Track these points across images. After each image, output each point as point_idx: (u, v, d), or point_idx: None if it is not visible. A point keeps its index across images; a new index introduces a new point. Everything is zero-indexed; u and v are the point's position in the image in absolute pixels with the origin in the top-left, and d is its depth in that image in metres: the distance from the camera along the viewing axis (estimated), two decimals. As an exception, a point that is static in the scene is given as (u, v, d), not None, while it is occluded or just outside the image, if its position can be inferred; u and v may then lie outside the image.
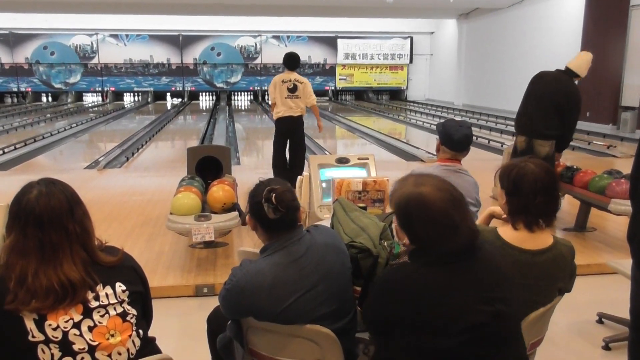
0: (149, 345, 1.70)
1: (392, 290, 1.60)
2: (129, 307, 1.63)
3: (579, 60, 4.87)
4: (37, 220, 1.53)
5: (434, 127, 13.03)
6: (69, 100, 23.83)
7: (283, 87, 6.19)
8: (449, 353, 1.54)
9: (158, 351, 1.73)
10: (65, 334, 1.51)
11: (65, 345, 1.51)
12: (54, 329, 1.50)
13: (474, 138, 12.43)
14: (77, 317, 1.53)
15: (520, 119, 4.97)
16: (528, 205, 1.90)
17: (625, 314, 2.40)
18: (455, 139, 2.87)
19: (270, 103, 6.51)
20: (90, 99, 24.32)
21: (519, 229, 1.94)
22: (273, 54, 24.46)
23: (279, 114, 6.23)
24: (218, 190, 4.11)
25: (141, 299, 1.70)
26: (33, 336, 1.49)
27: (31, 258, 1.52)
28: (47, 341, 1.49)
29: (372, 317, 1.73)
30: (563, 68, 4.92)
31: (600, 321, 3.35)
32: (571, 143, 5.32)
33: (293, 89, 6.20)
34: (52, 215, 1.54)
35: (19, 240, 1.53)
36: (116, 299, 1.60)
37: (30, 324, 1.49)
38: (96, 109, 20.97)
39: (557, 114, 4.76)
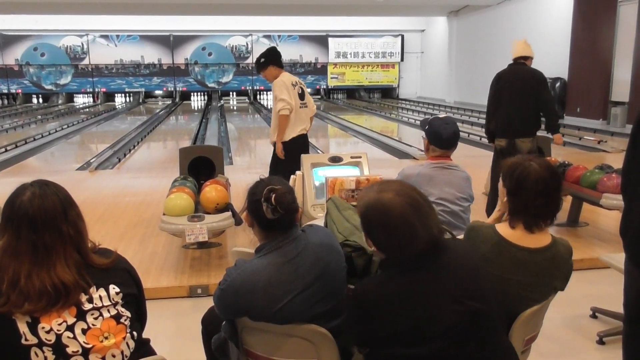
0: (143, 347, 1.69)
1: (365, 306, 1.61)
2: (122, 309, 1.62)
3: (519, 47, 4.94)
4: (31, 222, 1.52)
5: (426, 124, 13.03)
6: (60, 101, 23.68)
7: (294, 92, 4.62)
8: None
9: (152, 353, 1.72)
10: (58, 337, 1.50)
11: (58, 348, 1.50)
12: (47, 332, 1.49)
13: (466, 135, 12.35)
14: (71, 320, 1.52)
15: (498, 123, 4.94)
16: (528, 205, 1.89)
17: (619, 308, 2.41)
18: (444, 137, 2.87)
19: (279, 112, 4.55)
20: (81, 100, 24.16)
21: (517, 228, 1.93)
22: (264, 53, 24.41)
23: (294, 132, 4.63)
24: (211, 191, 4.10)
25: (135, 301, 1.69)
26: (26, 339, 1.47)
27: (24, 260, 1.50)
28: (41, 344, 1.48)
29: (358, 337, 1.72)
30: (526, 64, 4.94)
31: (594, 316, 3.37)
32: (562, 138, 5.38)
33: (302, 96, 4.73)
34: (46, 217, 1.53)
35: (12, 242, 1.52)
36: (110, 301, 1.59)
37: (23, 327, 1.47)
38: (87, 110, 20.85)
39: (534, 105, 4.81)
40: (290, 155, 4.57)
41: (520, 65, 4.89)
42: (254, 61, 4.87)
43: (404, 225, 1.56)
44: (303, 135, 4.76)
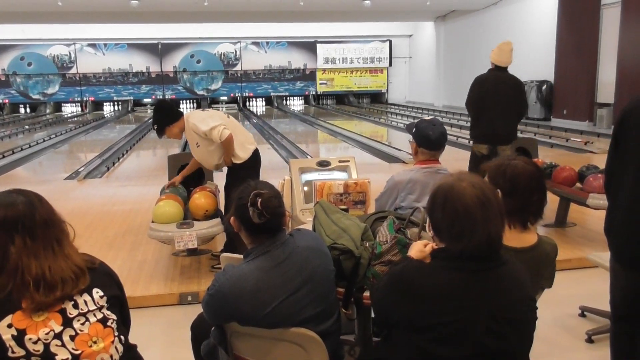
0: (130, 352, 1.68)
1: (405, 286, 1.59)
2: (108, 312, 1.61)
3: (499, 52, 4.96)
4: (42, 222, 1.55)
5: (415, 128, 13.09)
6: (48, 111, 23.51)
7: (213, 111, 4.32)
8: None
9: (140, 358, 1.71)
10: (46, 346, 1.48)
11: (47, 357, 1.48)
12: (35, 343, 1.47)
13: (454, 138, 12.35)
14: (58, 328, 1.51)
15: (481, 129, 4.96)
16: (525, 203, 1.88)
17: (607, 307, 2.43)
18: (433, 139, 2.86)
19: (220, 138, 3.98)
20: (69, 109, 24.01)
21: (514, 229, 1.90)
22: (253, 60, 24.47)
23: (252, 145, 4.25)
24: (200, 198, 4.09)
25: (119, 303, 1.68)
26: (13, 352, 1.46)
27: (46, 256, 1.54)
28: (29, 355, 1.47)
29: (379, 312, 1.72)
30: (507, 71, 4.99)
31: (582, 314, 3.40)
32: (549, 140, 5.46)
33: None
34: (49, 215, 1.58)
35: (27, 243, 1.52)
36: (95, 305, 1.59)
37: (9, 341, 1.45)
38: (75, 119, 20.73)
39: (515, 112, 4.87)
40: (255, 165, 4.25)
41: (503, 72, 4.94)
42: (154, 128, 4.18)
43: (466, 216, 1.53)
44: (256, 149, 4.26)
